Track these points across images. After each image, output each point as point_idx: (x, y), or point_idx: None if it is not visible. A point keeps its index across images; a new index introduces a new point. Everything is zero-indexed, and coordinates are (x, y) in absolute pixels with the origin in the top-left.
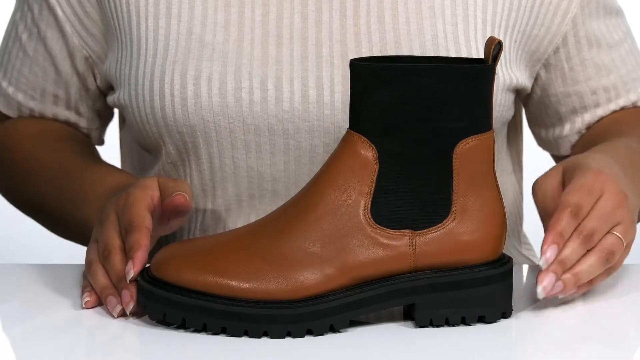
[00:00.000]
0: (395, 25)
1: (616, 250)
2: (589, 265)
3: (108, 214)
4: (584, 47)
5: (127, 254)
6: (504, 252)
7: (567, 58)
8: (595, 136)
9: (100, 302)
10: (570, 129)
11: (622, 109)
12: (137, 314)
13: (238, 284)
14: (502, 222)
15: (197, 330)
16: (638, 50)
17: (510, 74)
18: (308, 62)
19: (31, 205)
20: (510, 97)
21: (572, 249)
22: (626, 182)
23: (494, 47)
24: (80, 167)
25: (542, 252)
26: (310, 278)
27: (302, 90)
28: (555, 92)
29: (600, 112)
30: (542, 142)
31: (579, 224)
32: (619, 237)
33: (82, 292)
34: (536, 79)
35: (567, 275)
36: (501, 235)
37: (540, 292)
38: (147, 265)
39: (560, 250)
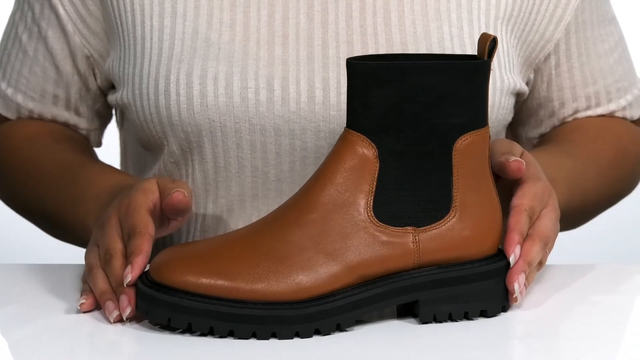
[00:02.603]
0: (401, 27)
1: (544, 264)
2: (533, 271)
3: (109, 217)
4: (573, 55)
5: (128, 258)
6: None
7: (556, 65)
8: (549, 138)
9: (97, 306)
10: (544, 129)
11: (598, 116)
12: (134, 318)
13: (244, 286)
14: (499, 216)
15: (202, 334)
16: (628, 59)
17: (513, 77)
18: (314, 63)
19: (29, 208)
20: (512, 100)
21: (536, 252)
22: None
23: (489, 43)
24: (77, 167)
25: (509, 250)
26: (316, 278)
27: (309, 90)
28: (538, 96)
29: (579, 116)
30: (523, 144)
31: (536, 227)
32: (548, 254)
33: (81, 296)
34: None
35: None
36: (498, 230)
37: (517, 289)
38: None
39: (524, 249)
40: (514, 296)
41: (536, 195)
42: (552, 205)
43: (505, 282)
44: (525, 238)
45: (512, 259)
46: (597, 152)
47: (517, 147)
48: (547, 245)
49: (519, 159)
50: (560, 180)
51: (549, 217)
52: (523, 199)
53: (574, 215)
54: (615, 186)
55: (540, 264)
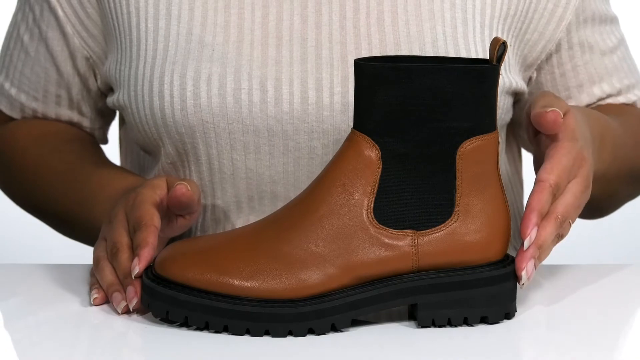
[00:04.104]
0: (394, 27)
1: (564, 236)
2: (549, 250)
3: (117, 212)
4: (576, 53)
5: (134, 251)
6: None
7: (559, 64)
8: None
9: (108, 300)
10: None
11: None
12: (141, 311)
13: (241, 283)
14: (507, 222)
15: (199, 329)
16: (631, 58)
17: (510, 77)
18: (307, 64)
19: (40, 208)
20: (510, 100)
21: (549, 233)
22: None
23: (499, 48)
24: (89, 169)
25: (525, 231)
26: (312, 277)
27: (302, 91)
28: None
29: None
30: (525, 144)
31: (555, 204)
32: (570, 225)
33: (90, 290)
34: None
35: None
36: (505, 236)
37: (525, 278)
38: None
39: (537, 232)
40: (522, 283)
41: (565, 169)
42: (581, 176)
43: (515, 265)
44: (543, 217)
45: (526, 242)
46: (629, 123)
47: (563, 104)
48: (566, 221)
49: (557, 110)
50: (608, 141)
51: (572, 193)
52: (550, 174)
53: (607, 187)
54: None
55: (561, 236)
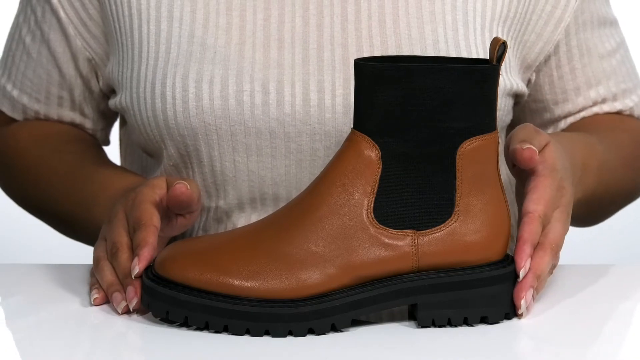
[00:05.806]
0: (396, 29)
1: (556, 266)
2: (545, 281)
3: (117, 212)
4: (574, 56)
5: (134, 251)
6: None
7: (557, 66)
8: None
9: (108, 300)
10: (553, 132)
11: (605, 113)
12: (141, 311)
13: (241, 283)
14: (507, 222)
15: (199, 329)
16: (630, 61)
17: (510, 79)
18: (309, 66)
19: (41, 208)
20: (510, 102)
21: (546, 263)
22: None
23: (499, 48)
24: (90, 169)
25: (520, 263)
26: (312, 277)
27: (304, 93)
28: (542, 99)
29: (584, 114)
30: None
31: (547, 234)
32: (558, 255)
33: (90, 290)
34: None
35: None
36: (505, 236)
37: (524, 307)
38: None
39: (534, 262)
40: (520, 312)
41: (551, 199)
42: (564, 205)
43: (513, 296)
44: (536, 247)
45: (521, 273)
46: (619, 142)
47: (542, 137)
48: (556, 256)
49: (533, 147)
50: (592, 167)
51: (560, 221)
52: (538, 205)
53: (596, 207)
54: (635, 179)
55: (554, 266)
